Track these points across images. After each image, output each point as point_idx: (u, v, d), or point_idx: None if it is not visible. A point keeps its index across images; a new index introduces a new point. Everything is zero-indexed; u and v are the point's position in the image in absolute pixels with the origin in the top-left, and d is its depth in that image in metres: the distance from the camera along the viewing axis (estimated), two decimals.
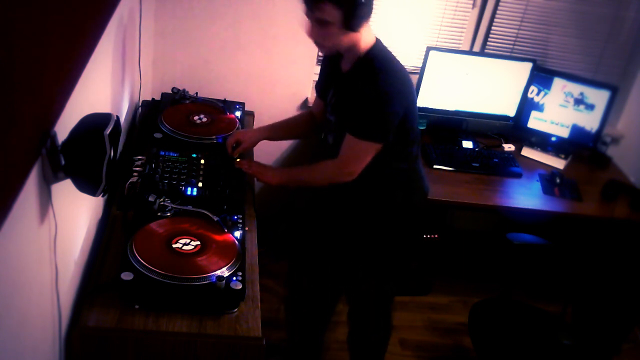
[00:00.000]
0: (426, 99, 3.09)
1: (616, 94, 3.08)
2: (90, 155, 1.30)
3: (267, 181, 2.23)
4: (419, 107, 2.37)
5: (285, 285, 2.78)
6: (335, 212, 2.35)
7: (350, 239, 2.32)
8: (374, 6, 2.02)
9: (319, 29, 1.99)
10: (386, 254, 2.32)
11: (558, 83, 3.12)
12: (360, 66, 2.07)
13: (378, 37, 2.12)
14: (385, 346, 2.58)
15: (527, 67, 3.10)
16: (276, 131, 2.44)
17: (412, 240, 2.32)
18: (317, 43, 2.07)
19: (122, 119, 2.33)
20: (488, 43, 3.30)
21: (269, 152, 3.10)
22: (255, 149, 2.43)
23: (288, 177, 2.28)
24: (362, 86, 2.03)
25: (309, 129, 2.46)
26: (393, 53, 2.13)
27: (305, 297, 2.61)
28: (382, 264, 2.34)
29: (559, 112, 3.15)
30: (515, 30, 3.27)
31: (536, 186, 2.96)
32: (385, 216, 2.24)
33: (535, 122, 3.20)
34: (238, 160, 2.27)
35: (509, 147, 3.20)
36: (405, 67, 2.15)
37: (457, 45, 3.29)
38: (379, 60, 2.06)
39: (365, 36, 2.05)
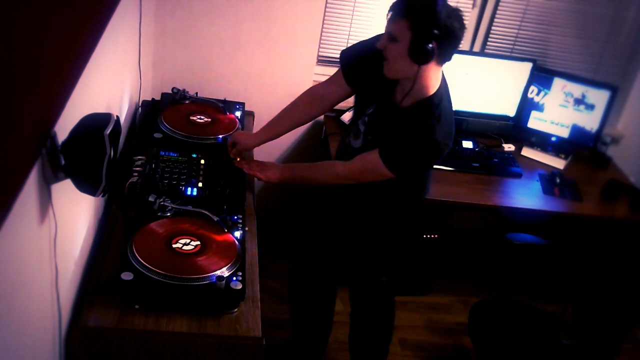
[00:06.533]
0: None
1: (616, 94, 3.08)
2: (90, 155, 1.30)
3: (268, 178, 2.21)
4: None
5: (289, 286, 2.77)
6: (340, 208, 2.35)
7: (354, 234, 2.32)
8: (452, 53, 1.95)
9: (387, 43, 1.93)
10: (390, 249, 2.32)
11: (558, 83, 3.12)
12: (421, 109, 1.99)
13: (445, 81, 2.05)
14: (387, 347, 2.58)
15: (527, 67, 3.10)
16: (275, 129, 2.35)
17: (417, 238, 2.31)
18: (384, 59, 1.98)
19: (122, 119, 2.33)
20: (488, 43, 3.30)
21: (269, 150, 3.09)
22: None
23: (290, 174, 2.24)
24: (418, 131, 1.97)
25: (312, 113, 2.34)
26: (450, 97, 2.09)
27: (310, 296, 2.60)
28: (386, 259, 2.34)
29: (559, 112, 3.15)
30: (515, 30, 3.27)
31: (536, 186, 2.96)
32: (390, 212, 2.24)
33: (535, 122, 3.20)
34: (238, 160, 2.27)
35: (509, 147, 3.20)
36: None
37: None
38: (439, 109, 1.99)
39: (433, 77, 1.97)
